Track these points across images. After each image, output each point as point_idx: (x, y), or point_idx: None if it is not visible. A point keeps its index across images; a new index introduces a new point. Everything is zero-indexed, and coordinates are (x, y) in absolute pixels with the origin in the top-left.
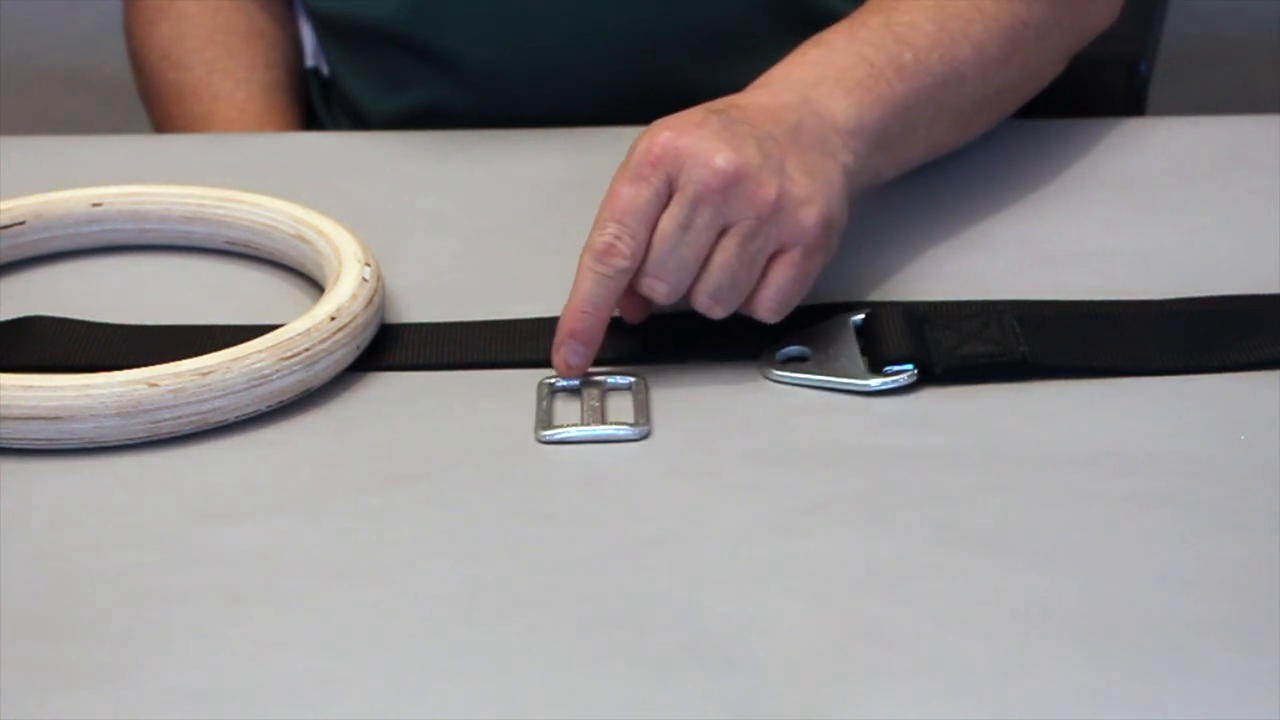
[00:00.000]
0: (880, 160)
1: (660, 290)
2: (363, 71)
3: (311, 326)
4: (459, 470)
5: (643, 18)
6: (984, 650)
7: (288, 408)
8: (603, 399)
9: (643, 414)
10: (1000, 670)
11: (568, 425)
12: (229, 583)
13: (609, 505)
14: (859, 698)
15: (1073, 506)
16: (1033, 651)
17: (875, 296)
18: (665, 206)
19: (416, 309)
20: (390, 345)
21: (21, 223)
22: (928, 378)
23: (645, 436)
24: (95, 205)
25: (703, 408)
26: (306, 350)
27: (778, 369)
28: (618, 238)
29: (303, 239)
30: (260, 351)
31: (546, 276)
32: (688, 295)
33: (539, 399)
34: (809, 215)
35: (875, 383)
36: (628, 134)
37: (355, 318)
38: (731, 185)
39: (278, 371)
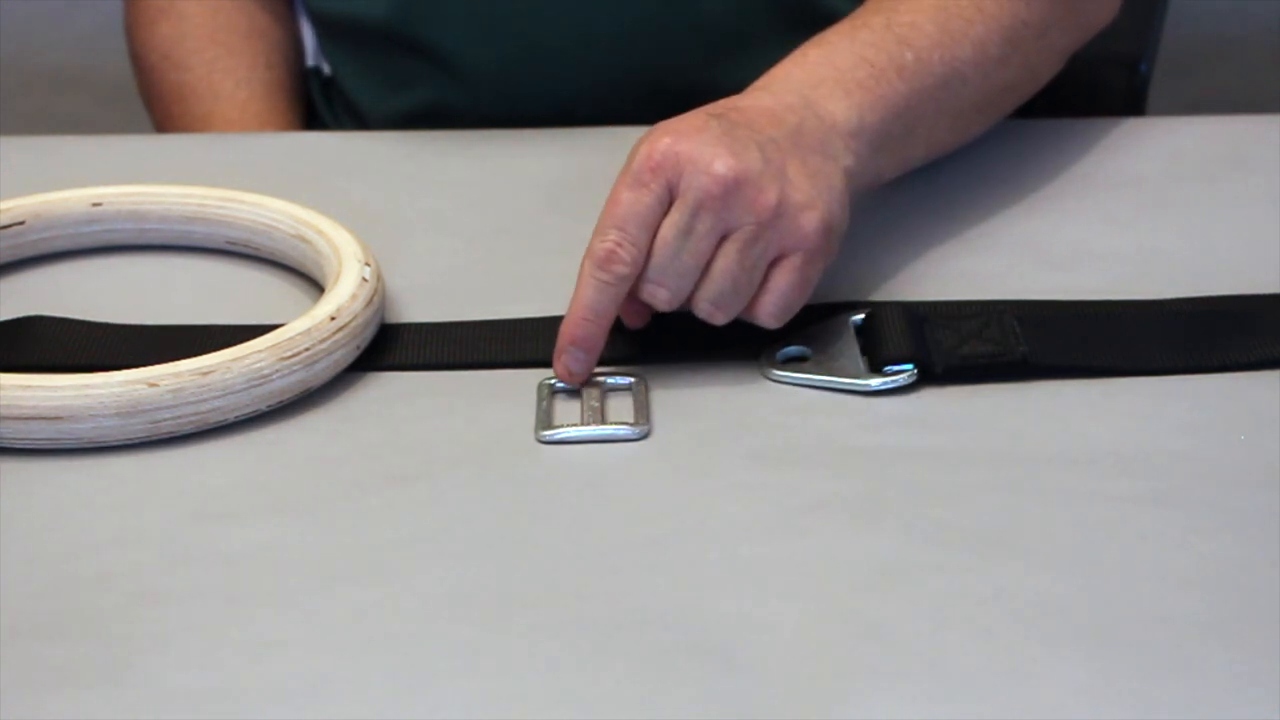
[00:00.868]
0: (881, 161)
1: (661, 297)
2: (363, 72)
3: (311, 326)
4: (459, 470)
5: (643, 17)
6: (984, 650)
7: (288, 408)
8: (603, 399)
9: (643, 414)
10: (1000, 670)
11: (568, 425)
12: (229, 583)
13: (609, 505)
14: (859, 698)
15: (1073, 506)
16: (1033, 651)
17: (875, 296)
18: (666, 212)
19: (416, 309)
20: (390, 345)
21: (21, 223)
22: (928, 378)
23: (645, 436)
24: (95, 205)
25: (703, 408)
26: (306, 350)
27: (778, 369)
28: (619, 244)
29: (303, 239)
30: (260, 351)
31: (546, 276)
32: (689, 301)
33: (539, 399)
34: (810, 221)
35: (875, 383)
36: (628, 134)
37: (355, 318)
38: (732, 191)
39: (278, 371)
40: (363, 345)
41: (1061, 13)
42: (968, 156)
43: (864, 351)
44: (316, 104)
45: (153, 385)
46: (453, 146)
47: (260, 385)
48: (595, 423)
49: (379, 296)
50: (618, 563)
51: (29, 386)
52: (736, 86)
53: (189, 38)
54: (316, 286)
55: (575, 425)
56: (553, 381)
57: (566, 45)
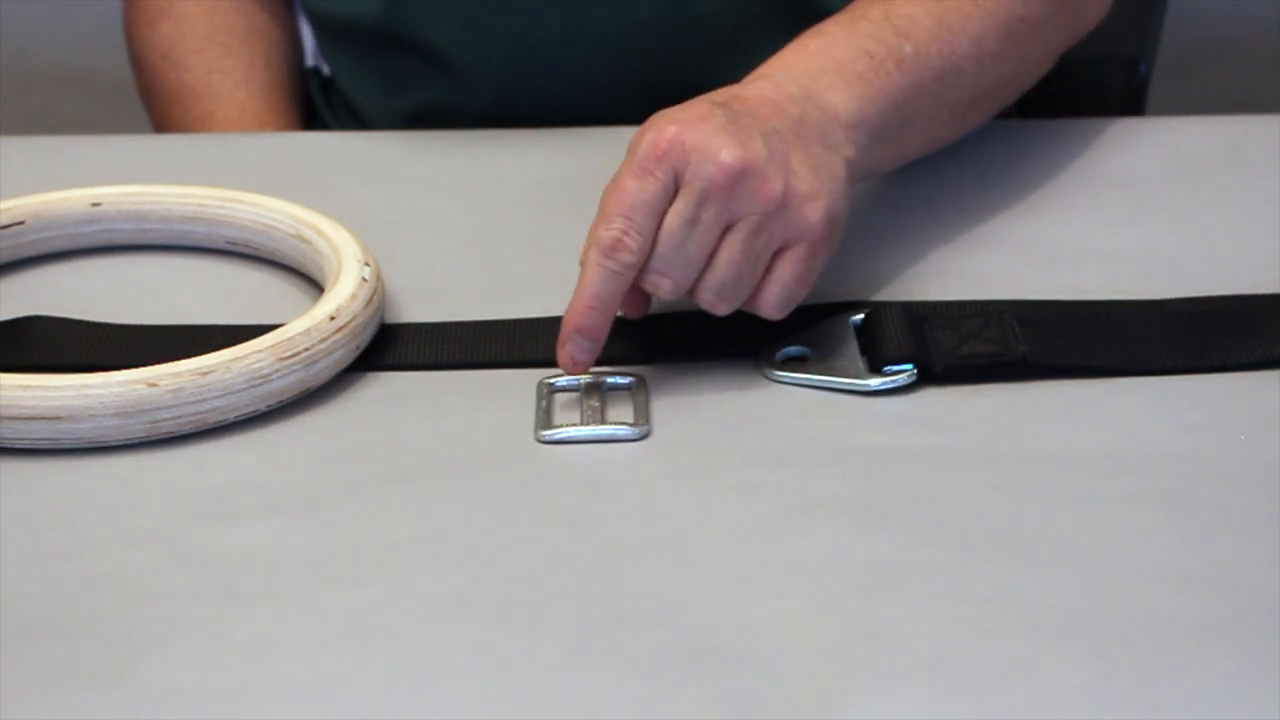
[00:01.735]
0: (879, 152)
1: (665, 286)
2: (361, 73)
3: (311, 326)
4: (459, 470)
5: (640, 17)
6: (984, 650)
7: (287, 408)
8: (603, 399)
9: (643, 414)
10: (1000, 670)
11: (568, 425)
12: (229, 583)
13: (609, 505)
14: (859, 698)
15: (1073, 506)
16: (1033, 651)
17: (875, 296)
18: (671, 201)
19: (416, 309)
20: (390, 345)
21: (21, 223)
22: (927, 378)
23: (645, 436)
24: (95, 205)
25: (703, 408)
26: (306, 350)
27: (778, 369)
28: (625, 233)
29: (302, 239)
30: (260, 351)
31: (546, 276)
32: (691, 291)
33: (539, 399)
34: (814, 211)
35: (875, 383)
36: (627, 134)
37: (355, 317)
38: (738, 181)
39: (277, 371)
40: (362, 345)
41: (1057, 9)
42: (968, 156)
43: (864, 351)
44: (316, 104)
45: (153, 385)
46: (453, 146)
47: (260, 385)
48: (595, 423)
49: (379, 296)
50: (618, 563)
51: (29, 386)
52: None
53: (188, 38)
54: (316, 286)
55: (575, 425)
56: (552, 381)
57: (563, 45)
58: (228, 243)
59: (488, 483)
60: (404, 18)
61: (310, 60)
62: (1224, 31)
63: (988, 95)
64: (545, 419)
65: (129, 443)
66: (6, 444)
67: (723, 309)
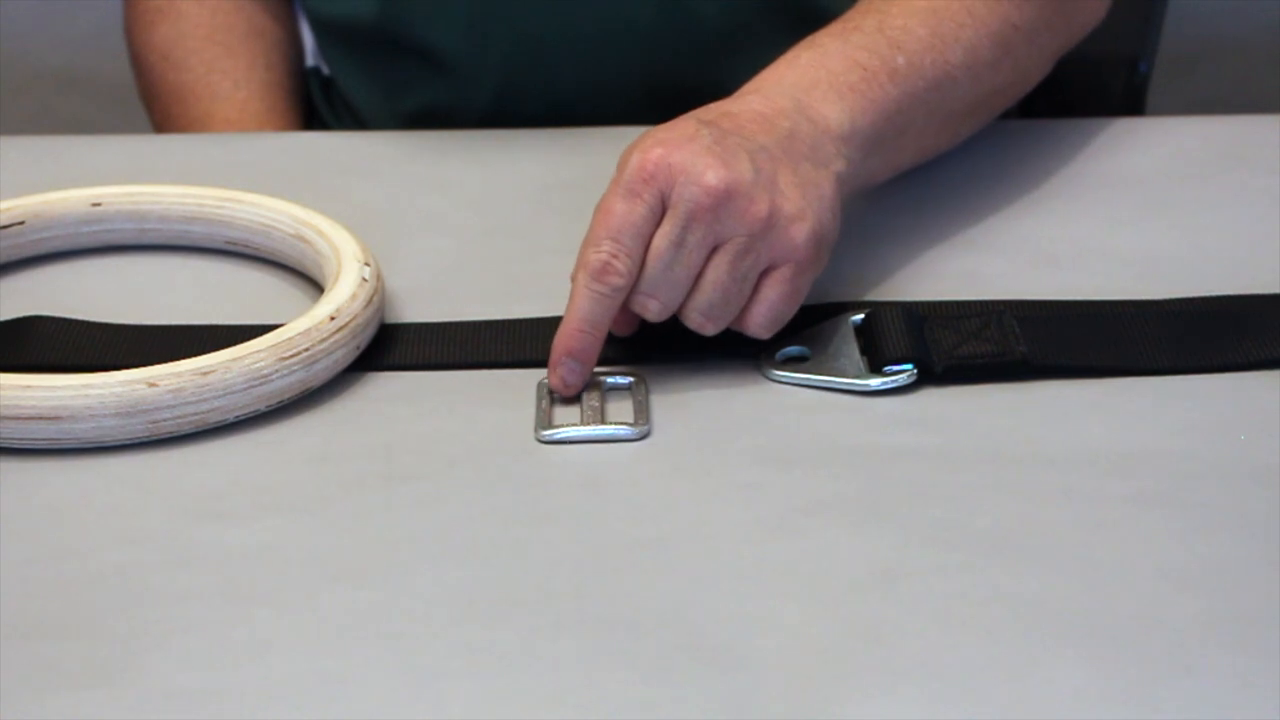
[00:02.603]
0: (872, 164)
1: (653, 308)
2: (361, 75)
3: (311, 326)
4: (459, 470)
5: (639, 17)
6: (984, 650)
7: (287, 408)
8: (603, 399)
9: (643, 414)
10: (1000, 670)
11: (567, 425)
12: (229, 583)
13: (609, 505)
14: (859, 698)
15: (1073, 506)
16: (1033, 651)
17: (875, 296)
18: (658, 223)
19: (416, 309)
20: (390, 345)
21: (21, 222)
22: (927, 378)
23: (645, 436)
24: (95, 205)
25: (703, 408)
26: (306, 350)
27: (778, 369)
28: (614, 256)
29: (302, 239)
30: (260, 351)
31: (546, 276)
32: (679, 311)
33: (539, 399)
34: (800, 232)
35: (875, 383)
36: (627, 134)
37: (355, 317)
38: (723, 203)
39: (277, 371)
40: (362, 345)
41: (1051, 15)
42: (968, 156)
43: (863, 351)
44: (316, 104)
45: (153, 385)
46: (452, 146)
47: (260, 385)
48: (595, 423)
49: (378, 296)
50: (618, 563)
51: (29, 386)
52: (733, 86)
53: (188, 38)
54: (316, 286)
55: (575, 425)
56: None
57: (563, 45)
58: (228, 243)
59: (488, 482)
60: (402, 19)
61: (310, 60)
62: (1224, 31)
63: (983, 104)
64: (545, 419)
65: (129, 443)
66: (6, 444)
67: (710, 329)
